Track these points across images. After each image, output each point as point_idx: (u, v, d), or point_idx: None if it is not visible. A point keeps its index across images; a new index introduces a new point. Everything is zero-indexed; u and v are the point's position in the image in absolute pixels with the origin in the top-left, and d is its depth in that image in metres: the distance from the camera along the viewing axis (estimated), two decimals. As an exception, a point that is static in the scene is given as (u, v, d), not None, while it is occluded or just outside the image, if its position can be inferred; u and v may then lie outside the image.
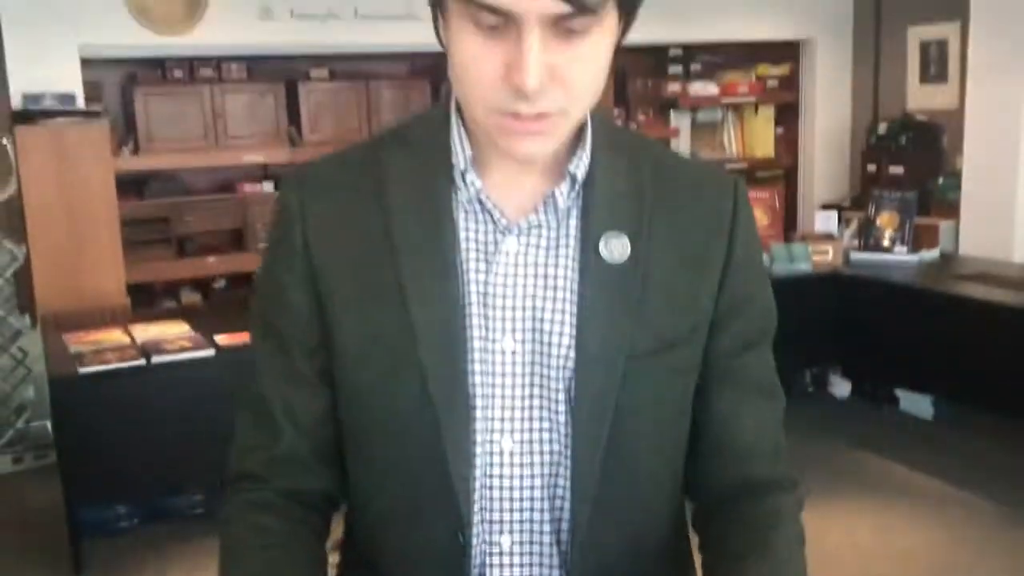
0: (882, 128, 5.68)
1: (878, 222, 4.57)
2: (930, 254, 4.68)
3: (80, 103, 4.28)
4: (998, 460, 4.15)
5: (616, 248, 0.95)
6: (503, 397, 0.96)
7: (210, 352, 3.33)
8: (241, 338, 3.46)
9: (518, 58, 0.81)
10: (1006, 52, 4.91)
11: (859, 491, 3.96)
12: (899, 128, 5.58)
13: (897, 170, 5.56)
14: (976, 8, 5.01)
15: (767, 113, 6.23)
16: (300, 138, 5.04)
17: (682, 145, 5.99)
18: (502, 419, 0.96)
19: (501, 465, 0.97)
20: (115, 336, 3.53)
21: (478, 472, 0.96)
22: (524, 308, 0.96)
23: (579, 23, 0.82)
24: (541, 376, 0.96)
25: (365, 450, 1.01)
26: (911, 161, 5.51)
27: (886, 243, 4.55)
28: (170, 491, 3.54)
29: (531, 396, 0.96)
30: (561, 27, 0.82)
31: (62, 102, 4.19)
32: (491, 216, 0.96)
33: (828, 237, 4.71)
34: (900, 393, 4.73)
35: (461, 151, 0.95)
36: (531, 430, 0.97)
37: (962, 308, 4.04)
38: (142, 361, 3.23)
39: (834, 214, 4.98)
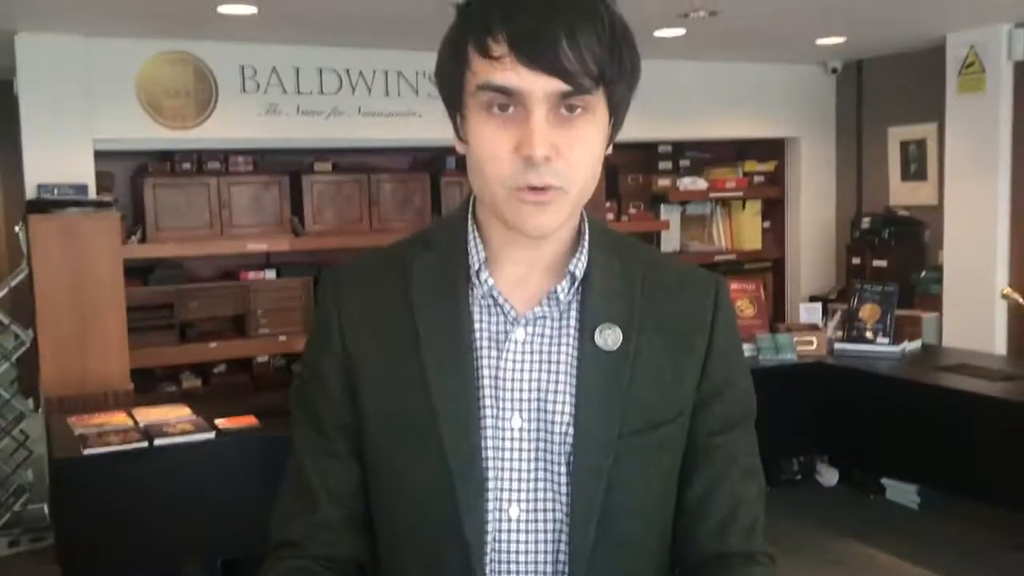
0: (866, 223, 5.86)
1: (861, 314, 4.71)
2: (912, 345, 4.80)
3: (92, 193, 4.45)
4: (982, 546, 4.21)
5: (610, 338, 1.10)
6: (511, 469, 1.09)
7: (210, 435, 3.42)
8: (241, 422, 3.56)
9: (528, 134, 0.99)
10: (980, 152, 5.13)
11: (846, 579, 4.01)
12: (882, 223, 5.77)
13: (881, 263, 5.72)
14: (951, 111, 5.25)
15: (754, 207, 6.44)
16: (303, 228, 5.20)
17: (672, 238, 6.17)
18: (510, 489, 1.09)
19: (509, 531, 1.09)
20: (118, 419, 3.61)
21: (489, 536, 1.09)
22: (530, 390, 1.10)
23: (577, 107, 1.00)
24: (545, 451, 1.09)
25: (389, 517, 1.14)
26: (894, 255, 5.68)
27: (869, 334, 4.68)
28: (169, 573, 3.58)
29: (536, 468, 1.09)
30: (560, 113, 1.00)
31: (75, 192, 4.36)
32: (502, 309, 1.11)
33: (813, 328, 4.84)
34: (886, 482, 4.81)
35: (476, 253, 1.11)
36: (536, 499, 1.09)
37: (944, 398, 4.13)
38: (144, 443, 3.32)
39: (818, 306, 5.12)
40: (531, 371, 1.10)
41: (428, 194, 5.47)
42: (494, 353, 1.10)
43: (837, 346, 4.72)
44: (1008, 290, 4.29)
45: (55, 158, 4.42)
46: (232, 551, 3.49)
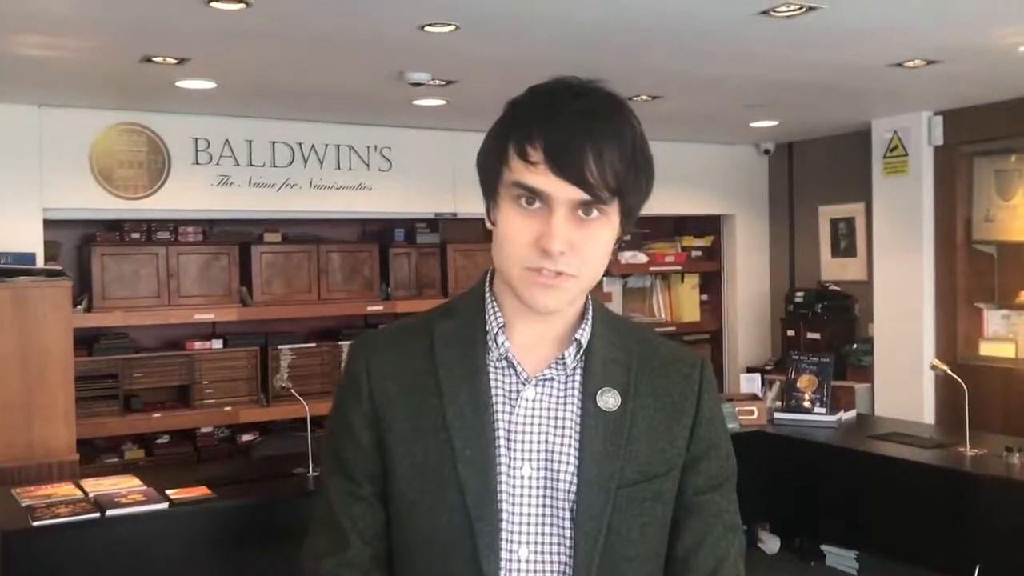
0: (799, 296, 6.10)
1: (798, 385, 4.88)
2: (848, 415, 4.97)
3: (39, 262, 4.42)
4: (920, 613, 4.32)
5: (610, 400, 1.25)
6: (522, 514, 1.22)
7: (163, 505, 3.38)
8: (194, 492, 3.54)
9: (548, 230, 1.15)
10: (905, 230, 5.41)
11: (791, 645, 4.07)
12: (814, 297, 6.01)
13: (814, 335, 5.94)
14: (877, 191, 5.55)
15: (692, 280, 6.65)
16: (251, 298, 5.22)
17: (615, 309, 6.32)
18: (520, 532, 1.22)
19: (519, 571, 1.21)
20: (66, 490, 3.55)
21: (501, 574, 1.21)
22: (539, 443, 1.23)
23: (594, 211, 1.16)
24: (552, 498, 1.22)
25: (411, 557, 1.26)
26: (827, 327, 5.90)
27: (807, 404, 4.84)
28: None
29: (543, 514, 1.22)
30: (579, 214, 1.16)
31: (19, 261, 4.32)
32: (515, 370, 1.25)
33: (753, 397, 4.99)
34: (826, 549, 4.92)
35: (494, 319, 1.26)
36: (543, 542, 1.22)
37: (879, 466, 4.28)
38: (96, 514, 3.27)
39: (757, 376, 5.27)
40: (540, 426, 1.23)
41: (377, 265, 5.54)
42: (507, 409, 1.24)
43: (776, 415, 4.86)
44: (936, 362, 4.50)
45: (3, 227, 4.39)
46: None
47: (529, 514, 1.22)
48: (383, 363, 1.28)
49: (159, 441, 5.13)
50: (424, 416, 1.24)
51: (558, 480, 1.22)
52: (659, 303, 6.61)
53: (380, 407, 1.26)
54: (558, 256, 1.15)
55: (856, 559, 4.80)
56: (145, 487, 3.58)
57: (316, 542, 1.30)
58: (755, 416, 4.79)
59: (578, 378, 1.26)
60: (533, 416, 1.24)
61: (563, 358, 1.25)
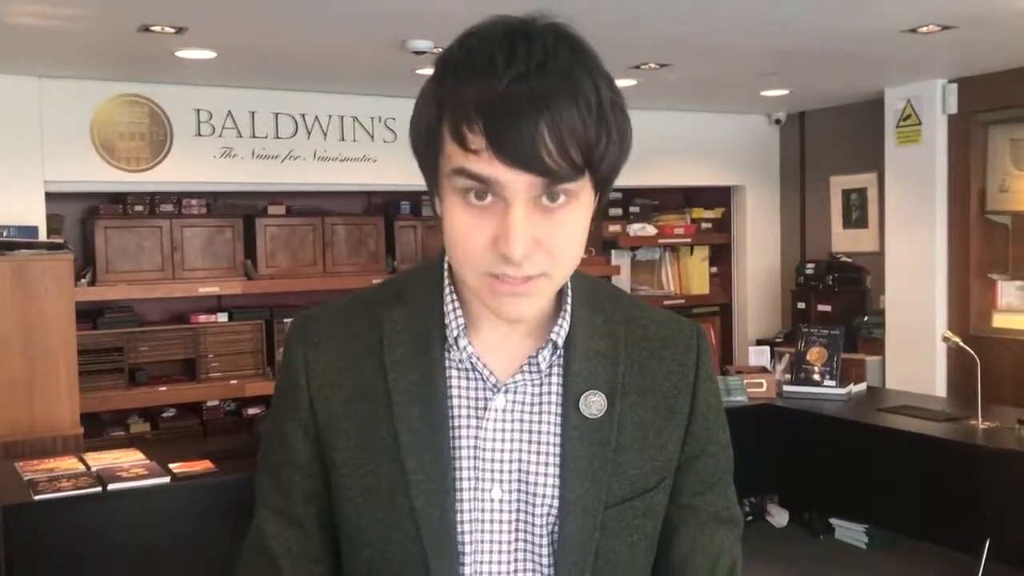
0: (809, 268, 6.03)
1: (808, 357, 4.82)
2: (858, 388, 4.92)
3: (42, 235, 4.39)
4: (929, 587, 4.29)
5: (594, 404, 1.05)
6: (491, 543, 1.05)
7: (166, 480, 3.36)
8: (196, 466, 3.52)
9: (505, 230, 0.92)
10: (918, 201, 5.32)
11: (799, 619, 4.06)
12: (825, 269, 5.94)
13: (825, 308, 5.88)
14: (890, 161, 5.46)
15: (702, 253, 6.58)
16: (255, 271, 5.18)
17: (623, 282, 6.27)
18: (490, 562, 1.04)
19: None
20: (69, 464, 3.54)
21: None
22: (511, 460, 1.04)
23: (560, 195, 0.93)
24: (526, 523, 1.05)
25: None
26: (837, 300, 5.83)
27: (816, 377, 4.79)
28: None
29: (516, 540, 1.05)
30: (542, 203, 0.93)
31: (23, 234, 4.30)
32: (481, 376, 1.05)
33: (762, 370, 4.94)
34: (835, 522, 4.89)
35: (454, 318, 1.05)
36: (516, 571, 1.05)
37: (890, 439, 4.24)
38: (98, 488, 3.25)
39: (767, 349, 5.22)
40: (512, 441, 1.05)
41: (382, 237, 5.50)
42: (473, 422, 1.05)
43: (786, 388, 4.81)
44: (948, 333, 4.44)
45: (5, 200, 4.36)
46: (186, 597, 3.43)
47: (500, 542, 1.04)
48: (324, 363, 1.07)
49: (165, 415, 5.12)
50: (372, 431, 1.04)
51: (534, 503, 1.04)
52: (668, 276, 6.55)
53: (322, 419, 1.07)
54: (522, 261, 0.93)
55: (865, 532, 4.76)
56: (148, 461, 3.56)
57: (247, 563, 1.13)
58: (764, 389, 4.75)
59: (556, 379, 1.06)
60: (504, 429, 1.04)
61: (536, 359, 1.05)
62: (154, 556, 3.25)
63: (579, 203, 0.96)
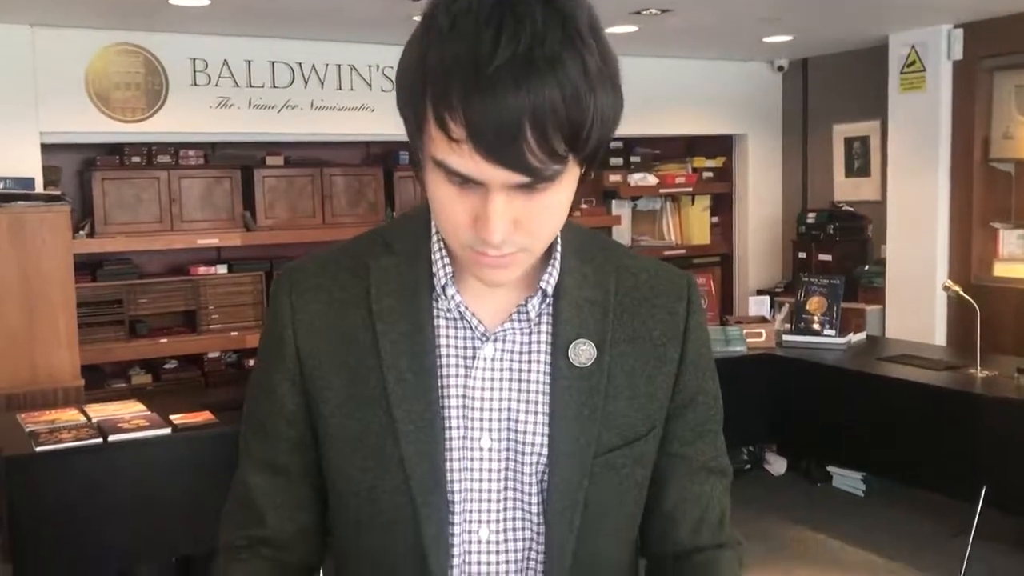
0: (811, 218, 5.99)
1: (808, 307, 4.82)
2: (857, 337, 4.92)
3: (39, 187, 4.37)
4: (925, 533, 4.35)
5: (584, 353, 1.05)
6: (480, 491, 1.06)
7: (166, 431, 3.39)
8: (196, 417, 3.54)
9: (484, 214, 0.91)
10: (921, 149, 5.27)
11: (795, 564, 4.11)
12: (827, 218, 5.90)
13: (826, 257, 5.86)
14: (893, 108, 5.39)
15: (703, 202, 6.54)
16: (254, 222, 5.16)
17: (623, 232, 6.24)
18: (479, 510, 1.06)
19: (479, 552, 1.07)
20: (70, 415, 3.57)
21: (457, 560, 1.06)
22: (500, 409, 1.05)
23: (540, 185, 0.91)
24: (515, 471, 1.06)
25: (350, 540, 1.11)
26: (838, 249, 5.81)
27: (816, 326, 4.80)
28: (126, 571, 3.54)
29: (506, 489, 1.06)
30: (523, 187, 0.91)
31: (20, 186, 4.27)
32: (469, 324, 1.05)
33: (762, 320, 4.94)
34: (833, 470, 4.93)
35: (442, 268, 1.05)
36: (505, 519, 1.07)
37: (888, 388, 4.26)
38: (99, 440, 3.28)
39: (767, 299, 5.22)
40: (501, 389, 1.05)
41: (381, 188, 5.47)
42: (462, 371, 1.05)
43: (785, 338, 4.82)
44: (948, 283, 4.42)
45: (0, 152, 4.33)
46: (188, 547, 3.47)
47: (489, 490, 1.05)
48: (311, 313, 1.07)
49: (167, 366, 5.14)
50: (360, 381, 1.04)
51: (523, 451, 1.05)
52: (669, 226, 6.51)
53: (309, 369, 1.07)
54: (501, 244, 0.93)
55: (863, 480, 4.81)
56: (148, 412, 3.58)
57: (231, 511, 1.15)
58: (763, 338, 4.76)
59: (545, 328, 1.06)
60: (493, 378, 1.05)
61: (526, 307, 1.05)
62: (155, 507, 3.29)
63: (562, 183, 0.93)
